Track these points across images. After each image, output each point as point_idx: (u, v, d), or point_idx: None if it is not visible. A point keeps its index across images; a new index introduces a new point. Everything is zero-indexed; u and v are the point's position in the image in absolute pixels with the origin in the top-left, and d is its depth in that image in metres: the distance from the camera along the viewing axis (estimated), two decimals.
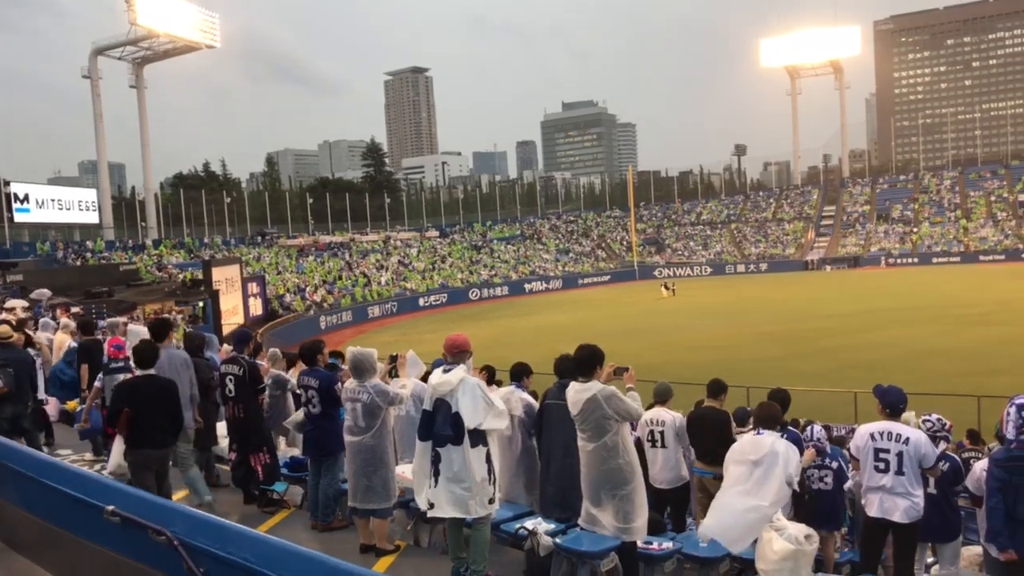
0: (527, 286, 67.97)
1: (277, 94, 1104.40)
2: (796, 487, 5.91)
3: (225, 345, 11.78)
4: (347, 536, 6.47)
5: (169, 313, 28.29)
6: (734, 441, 7.73)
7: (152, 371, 6.52)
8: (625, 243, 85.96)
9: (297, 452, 8.29)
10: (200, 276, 38.02)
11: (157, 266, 46.94)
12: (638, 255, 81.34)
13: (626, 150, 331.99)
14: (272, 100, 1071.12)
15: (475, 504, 5.30)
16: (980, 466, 6.02)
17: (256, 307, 40.92)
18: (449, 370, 5.48)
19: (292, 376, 8.46)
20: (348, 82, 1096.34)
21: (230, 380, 7.54)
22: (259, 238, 62.19)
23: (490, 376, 7.38)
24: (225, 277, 36.35)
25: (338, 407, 6.70)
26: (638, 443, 7.52)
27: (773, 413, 6.34)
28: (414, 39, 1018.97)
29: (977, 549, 6.75)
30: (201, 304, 34.00)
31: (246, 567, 2.73)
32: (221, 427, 8.56)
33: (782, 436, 7.34)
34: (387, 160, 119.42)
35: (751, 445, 5.72)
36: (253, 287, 41.45)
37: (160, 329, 7.65)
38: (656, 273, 74.32)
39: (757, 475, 5.43)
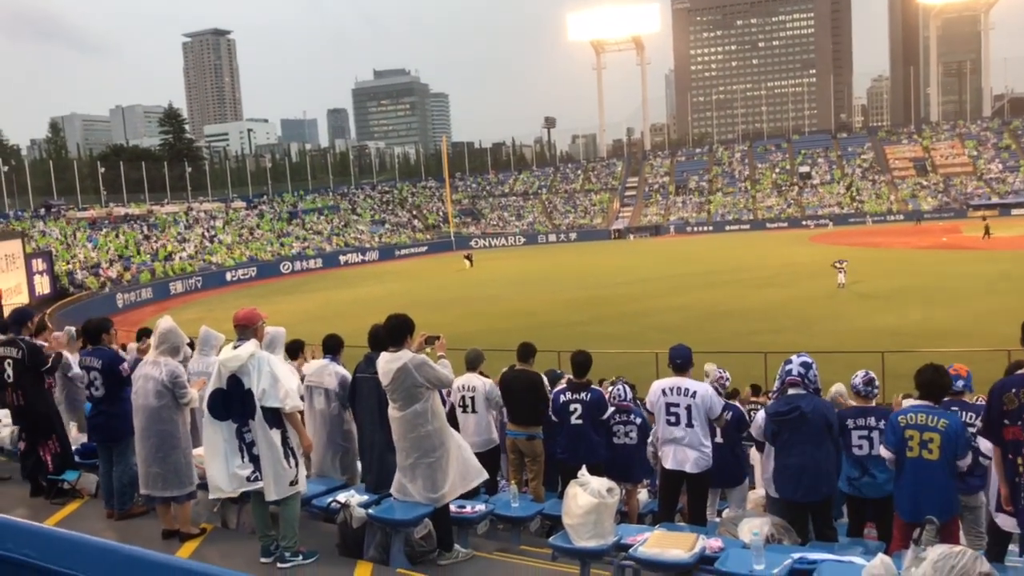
0: (342, 258, 66.75)
1: (46, 55, 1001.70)
2: None
3: None
4: (147, 522, 6.14)
5: None
6: (547, 401, 8.04)
7: None
8: (441, 214, 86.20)
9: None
10: None
11: None
12: (454, 226, 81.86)
13: (439, 121, 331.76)
14: (45, 62, 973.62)
15: (273, 487, 5.20)
16: (761, 415, 6.59)
17: (43, 285, 37.96)
18: (239, 345, 5.29)
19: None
20: (137, 44, 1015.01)
21: (8, 364, 6.94)
22: (44, 210, 57.06)
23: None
24: (4, 253, 33.59)
25: (125, 388, 6.28)
26: (451, 410, 7.64)
27: None
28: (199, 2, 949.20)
29: (761, 492, 7.40)
30: None
31: (28, 564, 2.55)
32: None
33: (586, 396, 7.71)
34: (187, 127, 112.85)
35: None
36: (39, 263, 38.42)
37: None
38: (472, 243, 75.16)
39: None
